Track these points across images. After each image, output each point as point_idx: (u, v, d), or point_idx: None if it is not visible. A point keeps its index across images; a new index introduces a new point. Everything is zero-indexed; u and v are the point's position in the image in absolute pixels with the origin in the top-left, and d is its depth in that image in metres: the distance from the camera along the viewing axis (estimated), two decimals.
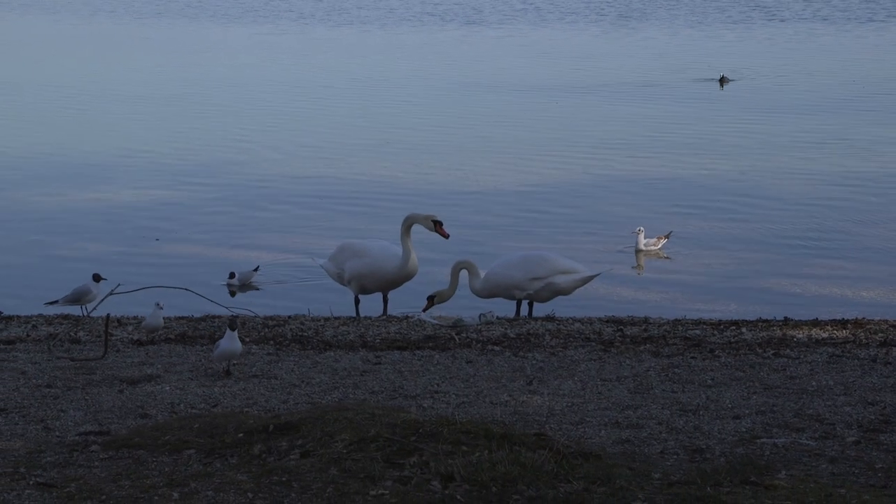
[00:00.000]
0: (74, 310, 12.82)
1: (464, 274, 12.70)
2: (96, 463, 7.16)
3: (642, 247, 15.61)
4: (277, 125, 27.34)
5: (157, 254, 16.22)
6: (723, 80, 31.88)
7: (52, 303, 12.85)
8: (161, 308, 11.04)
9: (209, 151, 23.97)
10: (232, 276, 14.64)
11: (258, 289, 14.65)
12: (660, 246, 15.70)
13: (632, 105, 29.70)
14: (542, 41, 45.11)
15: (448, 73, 36.85)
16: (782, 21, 50.56)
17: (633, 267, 15.47)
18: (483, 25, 51.33)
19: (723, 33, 46.55)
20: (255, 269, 14.80)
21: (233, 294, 14.44)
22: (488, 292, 12.75)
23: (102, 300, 11.92)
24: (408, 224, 12.75)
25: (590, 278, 12.81)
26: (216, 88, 34.24)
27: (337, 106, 30.47)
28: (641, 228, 15.72)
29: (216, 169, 22.11)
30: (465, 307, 12.61)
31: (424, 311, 12.30)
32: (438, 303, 12.47)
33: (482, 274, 12.66)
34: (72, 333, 11.47)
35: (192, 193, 20.02)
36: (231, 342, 9.49)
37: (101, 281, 12.70)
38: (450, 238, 13.01)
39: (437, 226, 12.77)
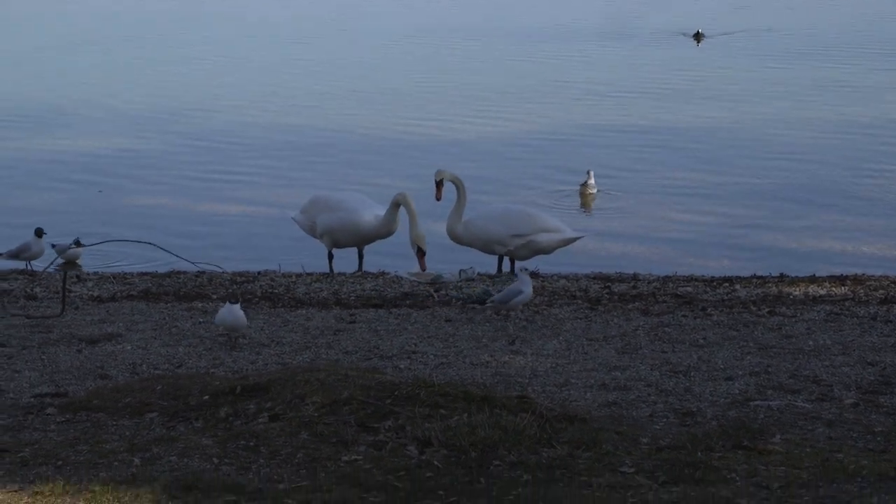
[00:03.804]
0: (36, 266, 12.47)
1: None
2: (52, 427, 6.96)
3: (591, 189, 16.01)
4: (246, 73, 27.03)
5: (118, 206, 15.80)
6: (698, 36, 31.88)
7: None
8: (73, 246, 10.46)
9: (172, 99, 23.61)
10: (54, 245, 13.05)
11: (79, 265, 13.08)
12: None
13: (613, 54, 29.60)
14: None
15: (421, 19, 36.73)
16: None
17: (580, 206, 15.71)
18: None
19: None
20: (76, 243, 13.03)
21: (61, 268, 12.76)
22: (467, 241, 12.43)
23: (73, 258, 11.50)
24: (397, 202, 12.31)
25: (573, 239, 12.55)
26: (181, 32, 33.93)
27: (308, 53, 30.20)
28: (590, 171, 16.02)
29: (179, 117, 21.76)
30: (445, 261, 12.27)
31: (423, 267, 11.86)
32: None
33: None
34: (28, 289, 11.16)
35: (154, 143, 19.68)
36: (233, 316, 8.95)
37: (44, 235, 12.36)
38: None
39: (419, 254, 12.14)
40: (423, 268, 11.87)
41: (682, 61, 28.42)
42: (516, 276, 10.35)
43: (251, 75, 26.68)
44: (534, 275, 12.01)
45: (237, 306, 8.92)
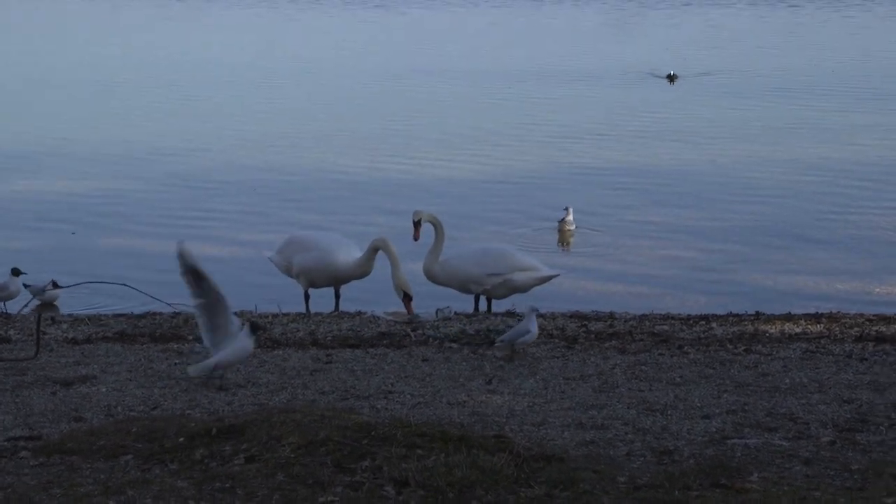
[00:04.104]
0: (11, 306, 12.42)
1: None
2: (26, 470, 6.86)
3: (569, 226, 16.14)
4: (220, 115, 27.06)
5: (92, 247, 15.75)
6: (672, 77, 32.18)
7: None
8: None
9: (147, 140, 23.60)
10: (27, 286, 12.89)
11: (56, 307, 13.00)
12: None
13: (587, 95, 29.77)
14: (489, 28, 45.16)
15: (395, 60, 36.90)
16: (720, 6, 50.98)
17: (558, 243, 15.82)
18: (434, 9, 51.49)
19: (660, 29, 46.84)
20: (52, 284, 12.83)
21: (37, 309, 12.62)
22: (443, 280, 12.43)
23: (51, 300, 11.39)
24: (376, 247, 12.23)
25: (549, 278, 12.58)
26: (156, 75, 33.97)
27: (281, 94, 30.29)
28: (569, 207, 16.15)
29: (154, 159, 21.74)
30: (422, 303, 12.25)
31: (410, 312, 11.71)
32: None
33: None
34: (1, 332, 11.09)
35: (128, 185, 19.63)
36: (246, 344, 8.82)
37: (21, 275, 12.31)
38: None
39: (406, 300, 12.00)
40: (410, 312, 11.73)
41: (656, 102, 28.61)
42: (523, 315, 10.22)
43: (226, 117, 26.70)
44: (510, 314, 12.04)
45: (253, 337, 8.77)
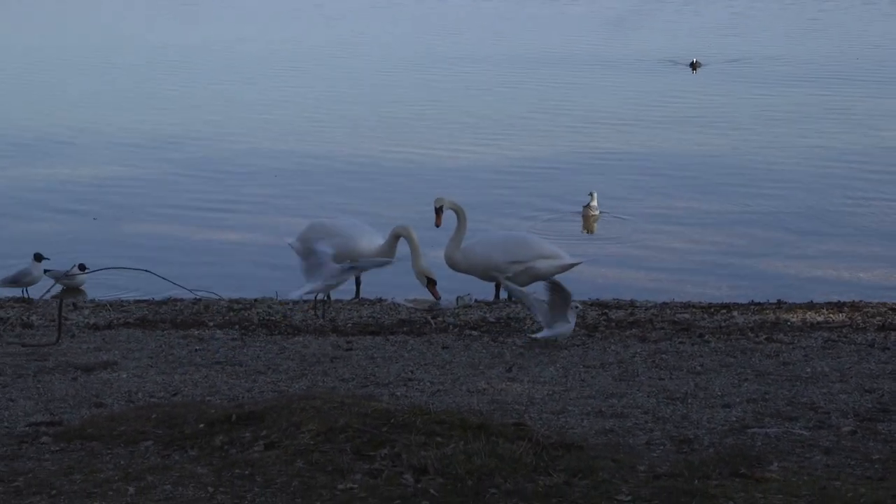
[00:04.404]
0: (33, 291, 12.49)
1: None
2: (47, 456, 6.88)
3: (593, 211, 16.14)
4: (242, 101, 27.09)
5: (114, 234, 15.80)
6: (694, 65, 32.03)
7: None
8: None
9: (168, 126, 23.65)
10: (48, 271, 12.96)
11: (83, 291, 13.13)
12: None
13: (609, 82, 29.68)
14: (519, 15, 45.04)
15: (425, 45, 36.85)
16: None
17: (582, 228, 15.85)
18: None
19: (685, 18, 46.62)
20: (79, 268, 12.86)
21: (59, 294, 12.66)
22: (465, 268, 12.42)
23: (76, 285, 11.45)
24: (397, 234, 12.26)
25: (571, 266, 12.55)
26: (178, 61, 34.02)
27: (302, 80, 30.29)
28: (593, 192, 16.16)
29: (176, 145, 21.78)
30: (442, 290, 12.26)
31: (437, 295, 11.79)
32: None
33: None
34: (24, 317, 11.14)
35: (150, 171, 19.69)
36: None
37: (44, 261, 12.36)
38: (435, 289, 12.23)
39: (430, 284, 12.06)
40: (436, 296, 11.79)
41: (679, 89, 28.50)
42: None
43: (247, 103, 26.73)
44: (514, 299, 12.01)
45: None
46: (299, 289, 10.24)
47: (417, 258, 11.85)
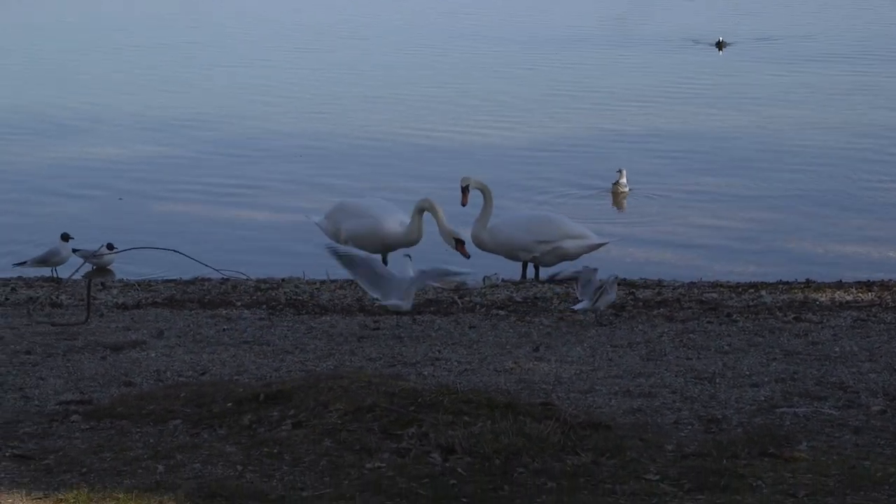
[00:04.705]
0: (62, 271, 12.56)
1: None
2: (77, 434, 6.91)
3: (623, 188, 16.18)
4: (268, 79, 27.09)
5: (141, 213, 15.87)
6: (720, 45, 31.84)
7: (20, 263, 12.59)
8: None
9: (194, 106, 23.69)
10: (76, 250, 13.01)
11: (111, 272, 13.24)
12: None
13: (634, 61, 29.57)
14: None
15: (439, 27, 36.78)
16: None
17: (612, 205, 15.86)
18: None
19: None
20: (108, 247, 12.94)
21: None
22: (491, 247, 12.41)
23: (106, 264, 11.42)
24: (422, 207, 12.28)
25: (598, 246, 12.53)
26: (203, 39, 34.05)
27: (325, 61, 30.27)
28: (622, 169, 16.18)
29: (202, 124, 21.82)
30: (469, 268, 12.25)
31: (466, 254, 11.97)
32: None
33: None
34: (53, 297, 11.19)
35: (176, 150, 19.76)
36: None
37: (71, 240, 12.43)
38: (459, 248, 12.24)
39: (458, 245, 12.13)
40: (465, 255, 11.90)
41: (706, 68, 28.36)
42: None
43: (274, 82, 26.74)
44: (557, 281, 11.98)
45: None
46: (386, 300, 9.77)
47: (441, 223, 11.94)
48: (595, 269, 10.17)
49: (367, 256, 9.80)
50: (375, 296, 9.68)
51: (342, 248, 9.86)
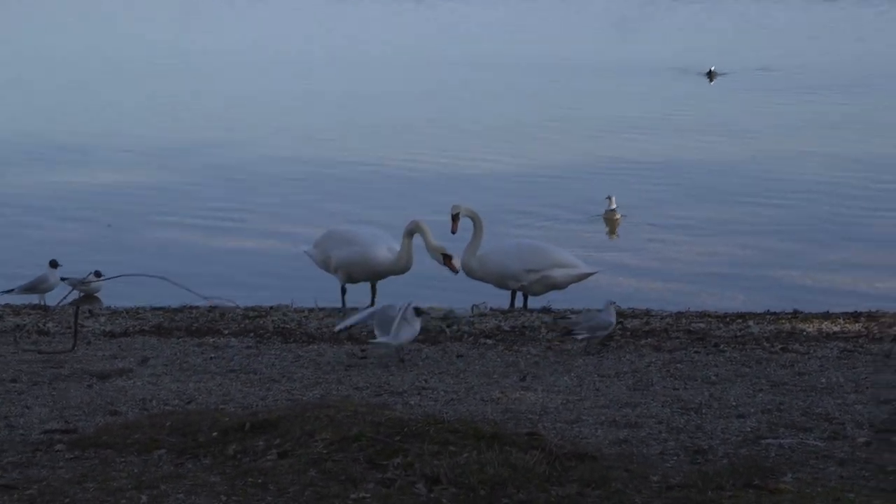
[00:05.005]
0: (49, 298, 12.52)
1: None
2: (61, 463, 6.89)
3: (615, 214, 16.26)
4: (257, 107, 27.15)
5: (129, 240, 15.83)
6: (711, 74, 31.91)
7: (7, 291, 12.57)
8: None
9: (184, 133, 23.71)
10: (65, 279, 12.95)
11: (97, 298, 13.17)
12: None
13: (625, 90, 29.66)
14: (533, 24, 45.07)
15: (431, 53, 36.92)
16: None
17: (606, 232, 15.89)
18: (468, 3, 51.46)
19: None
20: (95, 275, 12.79)
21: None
22: (480, 275, 12.41)
23: (93, 291, 11.38)
24: (410, 230, 12.29)
25: (587, 275, 12.52)
26: (192, 67, 34.13)
27: (319, 86, 30.34)
28: (611, 196, 16.27)
29: (191, 152, 21.83)
30: (457, 299, 12.24)
31: (454, 268, 12.02)
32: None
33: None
34: (40, 324, 11.17)
35: (165, 178, 19.75)
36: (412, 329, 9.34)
37: (59, 267, 12.41)
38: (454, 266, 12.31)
39: (446, 259, 12.18)
40: (454, 268, 11.93)
41: (695, 98, 28.46)
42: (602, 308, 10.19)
43: (263, 109, 26.77)
44: (545, 310, 12.00)
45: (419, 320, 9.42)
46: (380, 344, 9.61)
47: (429, 239, 11.97)
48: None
49: (374, 310, 9.76)
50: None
51: (350, 320, 9.79)
